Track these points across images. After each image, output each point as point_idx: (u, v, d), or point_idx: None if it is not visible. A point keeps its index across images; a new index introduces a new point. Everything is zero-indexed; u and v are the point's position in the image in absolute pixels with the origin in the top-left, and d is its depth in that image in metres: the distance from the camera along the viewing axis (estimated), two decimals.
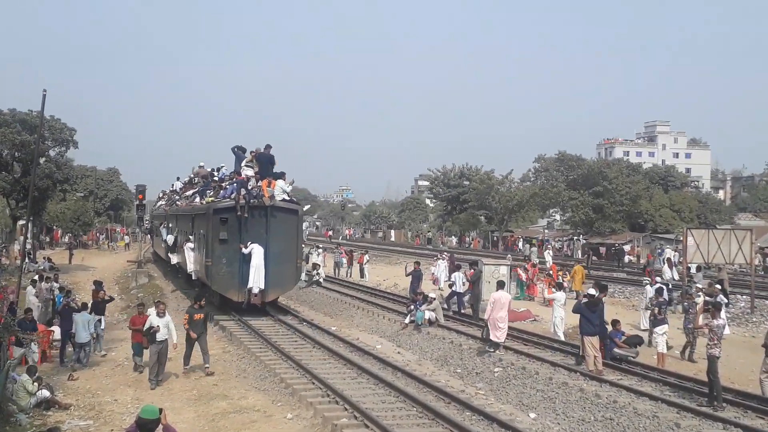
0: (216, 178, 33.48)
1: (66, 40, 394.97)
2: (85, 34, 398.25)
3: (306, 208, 34.81)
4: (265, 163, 28.81)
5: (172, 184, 46.26)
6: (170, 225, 40.30)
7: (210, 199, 30.19)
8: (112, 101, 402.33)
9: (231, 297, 27.45)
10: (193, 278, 31.37)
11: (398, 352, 21.41)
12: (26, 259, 38.67)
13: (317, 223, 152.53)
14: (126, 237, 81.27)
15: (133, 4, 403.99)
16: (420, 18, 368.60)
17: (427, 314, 24.12)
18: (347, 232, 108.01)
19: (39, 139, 31.75)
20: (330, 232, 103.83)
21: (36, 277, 27.24)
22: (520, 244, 65.05)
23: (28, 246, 44.10)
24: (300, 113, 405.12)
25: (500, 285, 21.13)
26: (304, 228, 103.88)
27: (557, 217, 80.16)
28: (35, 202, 41.22)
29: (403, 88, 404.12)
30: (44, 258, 48.23)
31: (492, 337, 19.75)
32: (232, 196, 28.04)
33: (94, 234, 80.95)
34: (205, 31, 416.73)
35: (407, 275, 31.11)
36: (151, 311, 18.33)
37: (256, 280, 26.66)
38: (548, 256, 47.02)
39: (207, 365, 18.41)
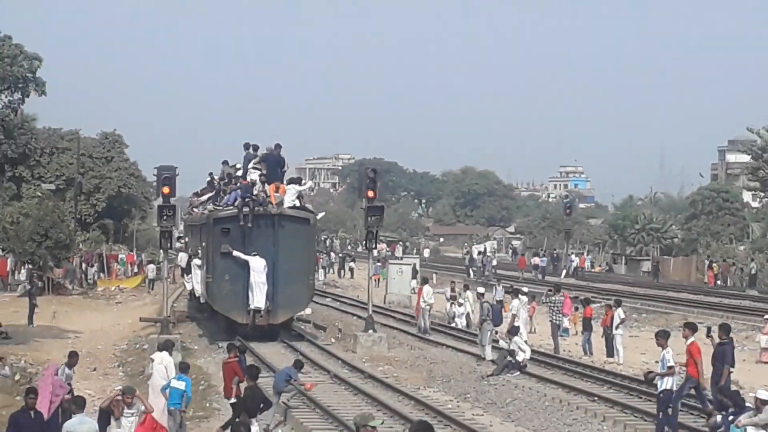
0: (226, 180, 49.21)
1: None
2: None
3: (320, 215, 55.69)
4: (272, 165, 45.26)
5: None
6: (186, 239, 59.31)
7: (211, 207, 46.99)
8: (103, 17, 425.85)
9: (235, 318, 44.03)
10: (201, 302, 48.87)
11: None
12: None
13: (514, 242, 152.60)
14: (150, 266, 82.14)
15: None
16: None
17: None
18: (578, 261, 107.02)
19: None
20: (537, 260, 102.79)
21: None
22: None
23: None
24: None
25: None
26: (489, 252, 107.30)
27: None
28: None
29: None
30: None
31: None
32: (236, 203, 43.82)
33: (77, 265, 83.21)
34: None
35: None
36: None
37: (257, 298, 42.67)
38: None
39: None
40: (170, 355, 29.37)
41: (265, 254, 43.12)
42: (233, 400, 28.40)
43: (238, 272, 43.21)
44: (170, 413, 26.50)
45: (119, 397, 22.34)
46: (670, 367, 25.55)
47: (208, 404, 31.63)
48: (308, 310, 52.10)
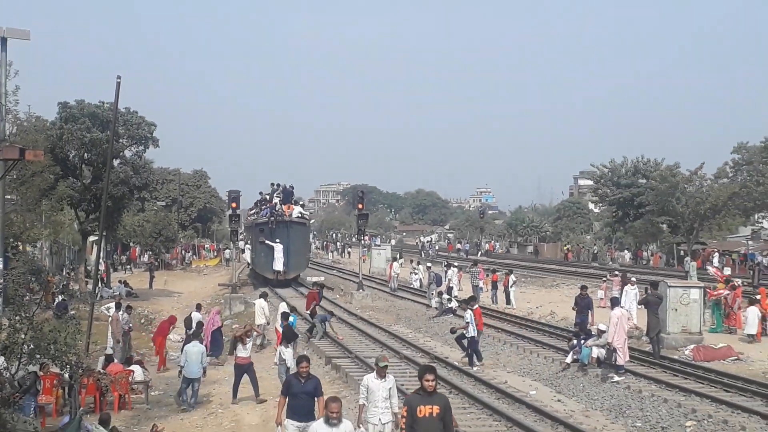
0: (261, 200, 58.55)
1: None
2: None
3: (312, 222, 75.10)
4: (287, 195, 55.92)
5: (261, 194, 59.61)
6: (244, 234, 71.54)
7: (254, 217, 56.76)
8: (195, 94, 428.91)
9: (267, 275, 52.36)
10: (250, 267, 60.83)
11: (558, 400, 21.04)
12: (99, 283, 40.06)
13: (449, 235, 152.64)
14: (227, 251, 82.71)
15: None
16: None
17: (595, 351, 23.63)
18: (488, 246, 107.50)
19: (113, 137, 31.28)
20: (459, 245, 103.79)
21: (112, 305, 28.62)
22: (716, 260, 62.76)
23: (101, 267, 45.78)
24: (424, 99, 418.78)
25: (615, 302, 24.48)
26: (433, 241, 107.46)
27: (766, 224, 76.79)
28: (109, 213, 41.94)
29: (550, 58, 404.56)
30: (119, 281, 50.42)
31: (621, 361, 22.49)
32: (267, 215, 52.61)
33: (178, 251, 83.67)
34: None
35: (574, 308, 30.64)
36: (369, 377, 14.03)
37: (278, 264, 51.28)
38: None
39: None
40: (265, 300, 32.14)
41: (282, 242, 51.48)
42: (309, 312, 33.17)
43: (268, 251, 51.77)
44: None
45: (242, 331, 22.96)
46: (467, 323, 26.00)
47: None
48: (322, 277, 56.15)
